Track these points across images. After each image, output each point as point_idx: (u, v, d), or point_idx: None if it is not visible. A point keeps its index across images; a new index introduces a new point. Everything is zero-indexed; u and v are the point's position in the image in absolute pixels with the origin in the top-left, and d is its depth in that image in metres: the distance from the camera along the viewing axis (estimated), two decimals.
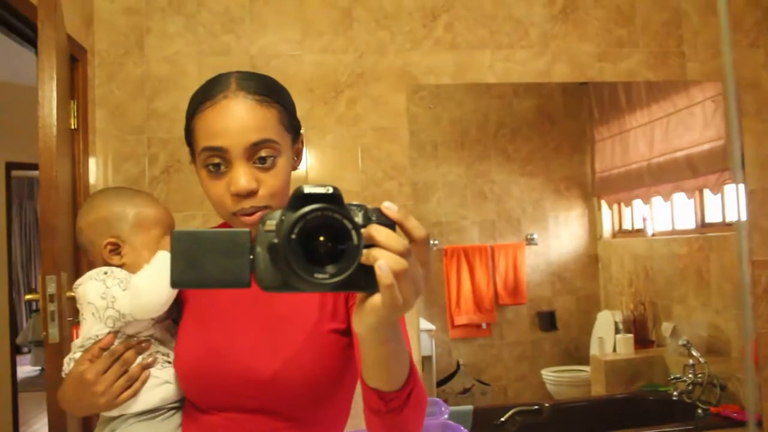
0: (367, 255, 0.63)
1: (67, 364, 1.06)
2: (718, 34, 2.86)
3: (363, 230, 0.64)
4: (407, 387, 0.81)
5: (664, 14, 2.86)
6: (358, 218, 0.67)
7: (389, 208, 0.67)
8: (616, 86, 3.57)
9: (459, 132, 3.52)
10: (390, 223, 0.67)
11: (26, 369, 7.02)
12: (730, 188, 3.05)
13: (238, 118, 0.92)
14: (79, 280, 1.09)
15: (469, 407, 3.06)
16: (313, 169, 2.65)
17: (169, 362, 1.05)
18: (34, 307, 8.59)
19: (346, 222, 0.62)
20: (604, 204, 3.73)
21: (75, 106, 2.34)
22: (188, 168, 2.58)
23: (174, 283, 0.66)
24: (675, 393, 3.10)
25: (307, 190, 0.63)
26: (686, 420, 2.96)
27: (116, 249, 1.10)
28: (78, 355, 1.04)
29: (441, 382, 3.29)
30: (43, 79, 1.72)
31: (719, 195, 3.14)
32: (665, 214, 3.54)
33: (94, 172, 2.51)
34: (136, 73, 2.60)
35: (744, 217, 2.83)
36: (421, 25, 2.74)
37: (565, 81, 2.84)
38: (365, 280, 0.64)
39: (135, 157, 2.57)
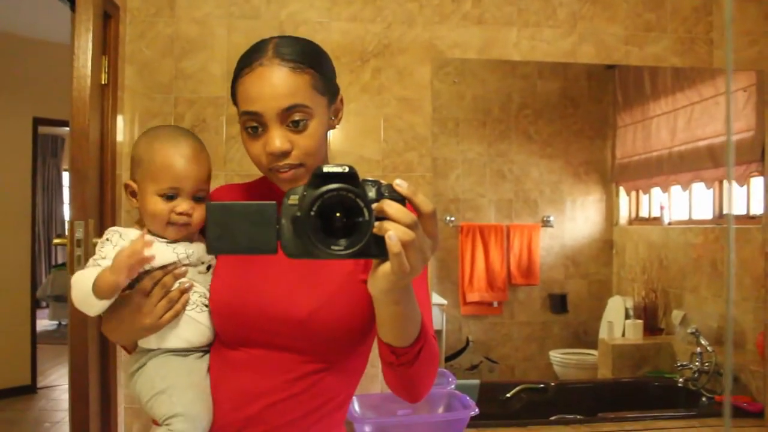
0: (379, 226, 0.72)
1: (93, 266, 1.07)
2: (752, 22, 2.82)
3: (376, 204, 0.72)
4: (417, 344, 0.89)
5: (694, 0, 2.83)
6: (372, 193, 0.75)
7: (400, 185, 0.75)
8: (641, 73, 3.55)
9: (481, 110, 3.53)
10: (400, 198, 0.75)
11: (44, 323, 7.18)
12: (756, 180, 3.01)
13: (271, 85, 0.98)
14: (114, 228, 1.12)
15: (476, 381, 3.11)
16: (336, 137, 2.68)
17: (206, 306, 1.09)
18: (53, 262, 8.75)
19: (358, 201, 0.71)
20: (622, 190, 3.73)
21: (106, 62, 2.38)
22: (213, 128, 2.62)
23: (209, 250, 0.76)
24: (680, 380, 3.11)
25: (326, 169, 0.71)
26: (690, 407, 2.98)
27: (134, 193, 1.12)
28: (101, 262, 1.05)
29: (450, 357, 3.33)
30: (79, 31, 1.76)
31: (744, 186, 3.11)
32: (683, 203, 3.53)
33: (122, 128, 2.55)
34: (166, 33, 2.63)
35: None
36: None
37: (590, 62, 2.82)
38: (377, 248, 0.73)
39: (161, 116, 2.61)
